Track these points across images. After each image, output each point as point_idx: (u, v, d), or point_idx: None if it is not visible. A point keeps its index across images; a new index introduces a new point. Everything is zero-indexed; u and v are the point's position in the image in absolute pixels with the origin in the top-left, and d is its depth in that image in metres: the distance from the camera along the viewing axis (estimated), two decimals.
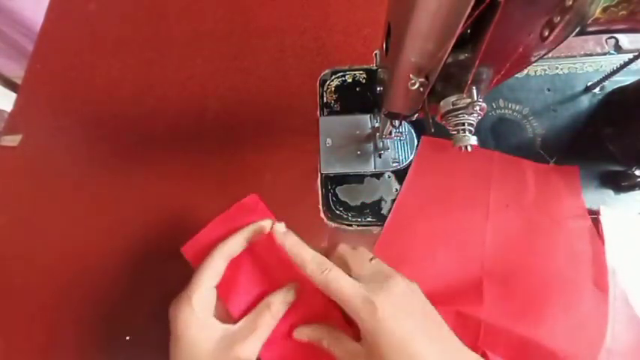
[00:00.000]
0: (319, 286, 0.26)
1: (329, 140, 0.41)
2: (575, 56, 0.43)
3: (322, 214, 0.39)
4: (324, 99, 0.44)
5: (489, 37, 0.20)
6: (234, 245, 0.30)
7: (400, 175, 0.40)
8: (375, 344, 0.24)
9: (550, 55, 0.34)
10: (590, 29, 0.20)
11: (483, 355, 0.31)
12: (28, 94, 0.49)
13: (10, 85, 0.75)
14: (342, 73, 0.45)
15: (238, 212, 0.34)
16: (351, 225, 0.38)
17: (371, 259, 0.28)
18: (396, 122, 0.35)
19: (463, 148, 0.26)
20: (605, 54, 0.43)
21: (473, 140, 0.26)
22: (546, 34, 0.19)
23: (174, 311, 0.28)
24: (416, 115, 0.29)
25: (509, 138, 0.40)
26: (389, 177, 0.40)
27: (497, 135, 0.40)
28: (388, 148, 0.40)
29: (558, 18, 0.17)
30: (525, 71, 0.42)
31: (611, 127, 0.38)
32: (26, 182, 0.43)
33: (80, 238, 0.40)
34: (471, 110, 0.25)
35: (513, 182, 0.38)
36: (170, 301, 0.32)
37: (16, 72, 0.67)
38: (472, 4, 0.17)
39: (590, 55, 0.43)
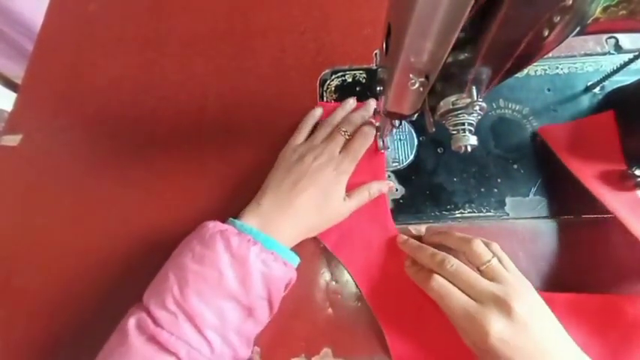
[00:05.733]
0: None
1: None
2: (575, 56, 0.43)
3: None
4: (324, 99, 0.44)
5: (489, 37, 0.20)
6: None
7: (400, 174, 0.40)
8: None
9: (550, 54, 0.34)
10: (591, 29, 0.20)
11: None
12: (28, 94, 0.49)
13: (10, 85, 0.75)
14: (342, 73, 0.45)
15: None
16: None
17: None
18: (396, 122, 0.35)
19: (463, 148, 0.26)
20: (605, 54, 0.43)
21: (473, 140, 0.26)
22: (546, 33, 0.19)
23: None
24: (416, 115, 0.29)
25: (509, 138, 0.40)
26: (389, 177, 0.40)
27: (497, 135, 0.40)
28: (388, 148, 0.40)
29: (558, 18, 0.17)
30: (525, 71, 0.42)
31: None
32: (26, 182, 0.43)
33: (80, 237, 0.40)
34: (470, 110, 0.25)
35: None
36: None
37: (16, 72, 0.67)
38: (472, 3, 0.17)
39: (591, 54, 0.43)
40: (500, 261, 0.31)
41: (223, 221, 0.33)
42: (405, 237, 0.36)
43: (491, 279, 0.29)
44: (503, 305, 0.27)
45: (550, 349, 0.27)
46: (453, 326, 0.30)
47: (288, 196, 0.34)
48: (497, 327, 0.27)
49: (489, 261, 0.30)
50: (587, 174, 0.36)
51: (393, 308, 0.35)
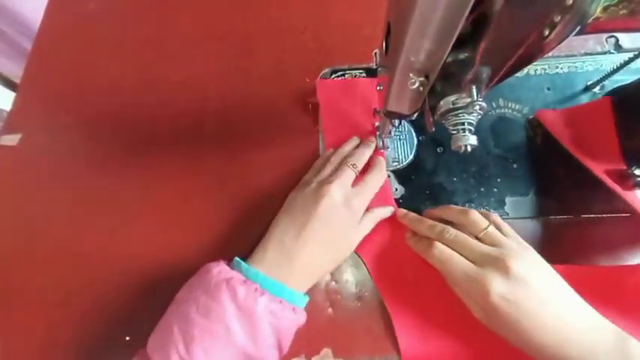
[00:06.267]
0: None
1: None
2: (575, 55, 0.43)
3: None
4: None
5: (489, 36, 0.20)
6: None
7: (400, 174, 0.40)
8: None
9: (550, 54, 0.34)
10: (591, 28, 0.20)
11: None
12: (28, 93, 0.49)
13: (10, 84, 0.75)
14: (341, 73, 0.45)
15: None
16: None
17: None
18: (396, 121, 0.35)
19: (463, 148, 0.26)
20: (605, 53, 0.43)
21: (473, 140, 0.26)
22: (546, 33, 0.19)
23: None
24: (416, 114, 0.29)
25: (509, 137, 0.40)
26: (389, 176, 0.40)
27: (497, 134, 0.40)
28: (388, 148, 0.40)
29: (558, 17, 0.17)
30: (525, 70, 0.42)
31: None
32: (25, 182, 0.43)
33: (80, 237, 0.40)
34: (470, 110, 0.25)
35: None
36: (170, 301, 0.32)
37: (16, 71, 0.67)
38: (472, 3, 0.17)
39: (591, 54, 0.43)
40: (499, 228, 0.32)
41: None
42: (405, 210, 0.36)
43: (491, 244, 0.30)
44: (501, 265, 0.28)
45: (551, 300, 0.27)
46: (455, 298, 0.31)
47: (294, 247, 0.31)
48: (497, 286, 0.27)
49: (486, 228, 0.31)
50: (587, 159, 0.36)
51: (397, 282, 0.35)
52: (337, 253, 0.33)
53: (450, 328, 0.33)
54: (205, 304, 0.28)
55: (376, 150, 0.39)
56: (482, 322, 0.30)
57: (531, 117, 0.41)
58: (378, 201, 0.37)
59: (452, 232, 0.32)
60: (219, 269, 0.30)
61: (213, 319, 0.28)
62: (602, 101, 0.37)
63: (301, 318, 0.31)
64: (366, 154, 0.37)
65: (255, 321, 0.28)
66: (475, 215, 0.32)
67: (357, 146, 0.39)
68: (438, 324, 0.34)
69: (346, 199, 0.33)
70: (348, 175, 0.35)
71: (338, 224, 0.32)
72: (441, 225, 0.33)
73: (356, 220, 0.34)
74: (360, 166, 0.36)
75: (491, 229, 0.31)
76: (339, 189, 0.33)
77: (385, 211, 0.36)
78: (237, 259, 0.31)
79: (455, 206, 0.34)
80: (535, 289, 0.27)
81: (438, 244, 0.31)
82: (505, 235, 0.31)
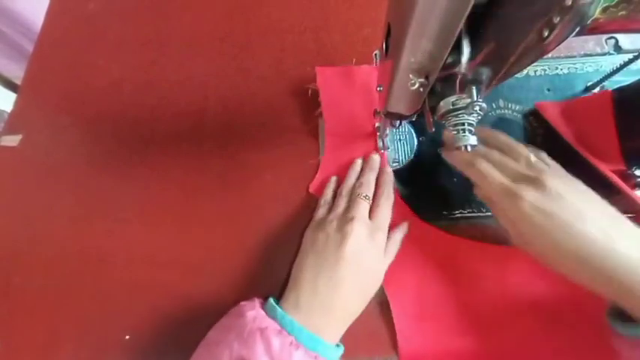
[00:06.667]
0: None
1: None
2: (575, 56, 0.43)
3: None
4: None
5: (489, 37, 0.20)
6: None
7: (400, 174, 0.40)
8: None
9: (550, 55, 0.34)
10: (590, 29, 0.20)
11: None
12: (28, 94, 0.49)
13: (10, 85, 0.75)
14: None
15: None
16: None
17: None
18: (396, 122, 0.35)
19: (463, 148, 0.26)
20: (605, 54, 0.43)
21: (473, 140, 0.26)
22: (546, 34, 0.19)
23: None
24: (416, 115, 0.29)
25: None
26: None
27: None
28: (388, 148, 0.40)
29: (558, 18, 0.17)
30: (525, 71, 0.42)
31: None
32: (26, 182, 0.44)
33: (80, 237, 0.40)
34: (470, 110, 0.25)
35: None
36: (169, 301, 0.32)
37: (16, 72, 0.67)
38: (472, 3, 0.17)
39: (590, 55, 0.43)
40: (543, 160, 0.31)
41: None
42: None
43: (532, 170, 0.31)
44: (537, 182, 0.28)
45: (584, 211, 0.27)
46: (458, 299, 0.33)
47: (328, 294, 0.30)
48: (531, 197, 0.28)
49: (528, 155, 0.31)
50: (583, 149, 0.37)
51: (402, 284, 0.35)
52: (368, 289, 0.33)
53: (451, 330, 0.34)
54: (239, 353, 0.27)
55: (376, 150, 0.39)
56: (517, 245, 0.30)
57: (528, 110, 0.41)
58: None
59: (496, 153, 0.32)
60: (254, 315, 0.29)
61: None
62: (602, 95, 0.37)
63: None
64: (372, 178, 0.37)
65: None
66: (519, 146, 0.32)
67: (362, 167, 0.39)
68: (438, 324, 0.34)
69: (370, 234, 0.33)
70: (365, 207, 0.34)
71: (367, 260, 0.32)
72: (485, 149, 0.33)
73: (381, 252, 0.33)
74: (371, 193, 0.36)
75: (532, 156, 0.31)
76: (361, 225, 0.33)
77: (403, 230, 0.36)
78: (272, 302, 0.30)
79: (503, 136, 0.34)
80: (571, 202, 0.27)
81: (481, 160, 0.31)
82: (547, 164, 0.31)
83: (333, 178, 0.39)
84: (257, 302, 0.31)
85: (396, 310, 0.34)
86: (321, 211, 0.37)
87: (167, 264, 0.38)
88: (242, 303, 0.31)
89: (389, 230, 0.35)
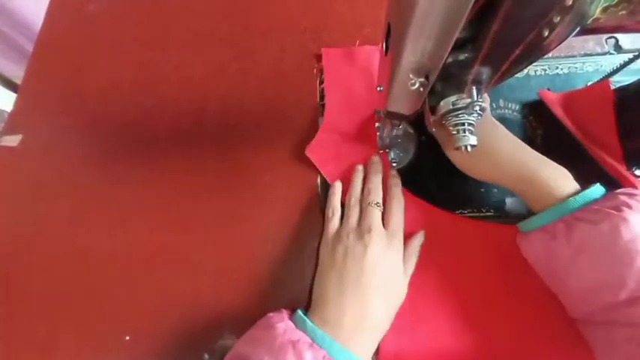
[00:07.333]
0: None
1: None
2: (575, 56, 0.43)
3: (322, 214, 0.39)
4: (325, 98, 0.44)
5: (490, 37, 0.20)
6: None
7: (400, 174, 0.39)
8: None
9: (550, 55, 0.34)
10: (590, 29, 0.20)
11: None
12: (28, 94, 0.49)
13: (10, 85, 0.75)
14: None
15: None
16: None
17: None
18: (396, 122, 0.35)
19: (463, 148, 0.26)
20: (605, 54, 0.43)
21: (473, 140, 0.26)
22: (546, 34, 0.19)
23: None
24: (416, 114, 0.29)
25: None
26: None
27: None
28: (388, 148, 0.40)
29: (558, 18, 0.17)
30: (525, 71, 0.42)
31: None
32: (26, 182, 0.43)
33: (80, 237, 0.40)
34: (470, 110, 0.25)
35: None
36: (169, 301, 0.32)
37: (16, 72, 0.67)
38: (472, 3, 0.17)
39: (590, 55, 0.43)
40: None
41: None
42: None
43: None
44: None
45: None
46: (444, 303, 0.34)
47: (356, 307, 0.30)
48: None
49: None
50: (585, 138, 0.37)
51: None
52: (393, 299, 0.32)
53: (443, 330, 0.34)
54: None
55: (376, 150, 0.39)
56: None
57: (528, 102, 0.41)
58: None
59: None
60: (285, 327, 0.29)
61: None
62: (602, 87, 0.37)
63: None
64: (379, 184, 0.37)
65: None
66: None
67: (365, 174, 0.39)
68: (430, 323, 0.34)
69: (387, 243, 0.33)
70: (378, 216, 0.34)
71: (388, 269, 0.32)
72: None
73: (400, 259, 0.33)
74: (381, 199, 0.36)
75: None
76: (378, 235, 0.33)
77: (420, 239, 0.36)
78: (300, 314, 0.30)
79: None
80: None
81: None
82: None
83: (338, 185, 0.38)
84: (285, 314, 0.31)
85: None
86: (333, 223, 0.36)
87: (167, 264, 0.38)
88: (270, 315, 0.31)
89: (406, 238, 0.35)
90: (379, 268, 0.31)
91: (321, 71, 0.45)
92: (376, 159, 0.39)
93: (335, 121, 0.41)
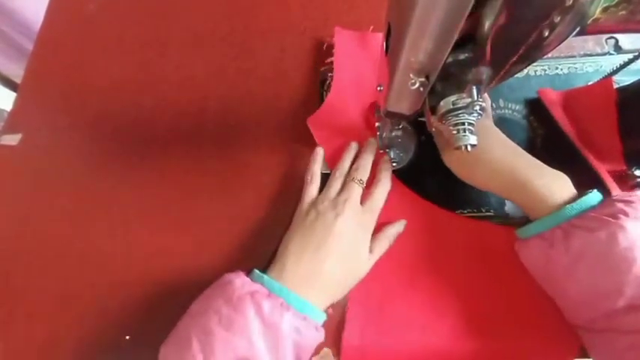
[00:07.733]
0: None
1: None
2: (575, 56, 0.43)
3: None
4: (325, 99, 0.44)
5: (490, 37, 0.20)
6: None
7: (400, 174, 0.39)
8: None
9: (550, 55, 0.34)
10: (590, 29, 0.20)
11: None
12: (28, 93, 0.49)
13: (10, 84, 0.75)
14: None
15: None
16: None
17: None
18: (397, 122, 0.35)
19: (463, 148, 0.26)
20: (605, 54, 0.43)
21: (473, 140, 0.26)
22: (546, 34, 0.19)
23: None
24: (416, 114, 0.29)
25: (509, 138, 0.40)
26: None
27: None
28: (388, 148, 0.40)
29: (558, 18, 0.17)
30: (525, 71, 0.42)
31: None
32: (25, 181, 0.43)
33: (80, 237, 0.40)
34: (471, 110, 0.25)
35: None
36: (170, 301, 0.32)
37: (16, 71, 0.67)
38: (472, 3, 0.17)
39: (590, 55, 0.43)
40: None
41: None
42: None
43: None
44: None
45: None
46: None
47: (313, 263, 0.32)
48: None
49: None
50: (579, 139, 0.37)
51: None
52: (353, 270, 0.34)
53: (413, 326, 0.34)
54: (228, 317, 0.27)
55: (377, 152, 0.39)
56: None
57: (528, 99, 0.41)
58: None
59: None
60: (242, 281, 0.30)
61: (237, 331, 0.27)
62: (604, 85, 0.37)
63: (322, 336, 0.31)
64: (368, 164, 0.37)
65: (279, 337, 0.28)
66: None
67: (358, 152, 0.39)
68: (401, 319, 0.34)
69: (358, 218, 0.34)
70: (358, 192, 0.35)
71: (352, 242, 0.33)
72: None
73: (369, 237, 0.35)
74: (366, 178, 0.36)
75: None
76: (352, 207, 0.34)
77: (398, 227, 0.37)
78: (257, 271, 0.31)
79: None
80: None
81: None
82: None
83: (319, 151, 0.39)
84: (241, 273, 0.32)
85: (356, 297, 0.35)
86: (310, 190, 0.37)
87: (167, 264, 0.38)
88: (226, 274, 0.32)
89: (385, 225, 0.36)
90: (345, 237, 0.33)
91: (329, 48, 0.45)
92: (373, 140, 0.39)
93: (340, 98, 0.42)
